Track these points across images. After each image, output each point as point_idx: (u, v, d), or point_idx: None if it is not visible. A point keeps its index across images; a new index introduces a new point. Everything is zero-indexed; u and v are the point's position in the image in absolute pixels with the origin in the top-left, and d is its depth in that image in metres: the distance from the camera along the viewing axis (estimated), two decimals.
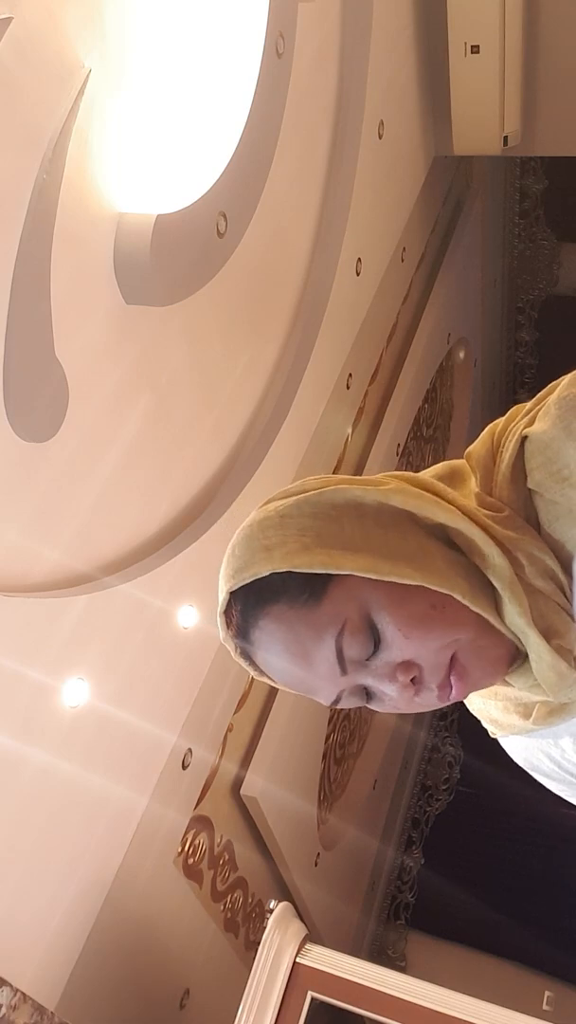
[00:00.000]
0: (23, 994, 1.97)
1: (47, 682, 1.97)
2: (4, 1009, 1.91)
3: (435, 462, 0.84)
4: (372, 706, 0.76)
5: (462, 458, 0.83)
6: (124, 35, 1.77)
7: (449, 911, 5.24)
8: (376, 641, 0.70)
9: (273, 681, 0.77)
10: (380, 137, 3.30)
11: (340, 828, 4.30)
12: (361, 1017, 2.47)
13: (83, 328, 1.87)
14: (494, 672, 0.74)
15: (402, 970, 4.67)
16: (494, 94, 3.66)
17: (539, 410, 0.75)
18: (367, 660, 0.71)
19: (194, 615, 2.51)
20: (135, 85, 1.83)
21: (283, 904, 2.61)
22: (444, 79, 3.66)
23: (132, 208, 1.87)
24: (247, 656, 0.76)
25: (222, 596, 0.75)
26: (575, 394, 0.72)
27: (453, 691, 0.71)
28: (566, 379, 0.75)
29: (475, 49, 3.54)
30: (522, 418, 0.76)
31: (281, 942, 2.50)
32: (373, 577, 0.69)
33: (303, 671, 0.72)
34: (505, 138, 3.83)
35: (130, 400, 2.12)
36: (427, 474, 0.81)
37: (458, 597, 0.70)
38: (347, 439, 3.59)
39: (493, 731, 0.88)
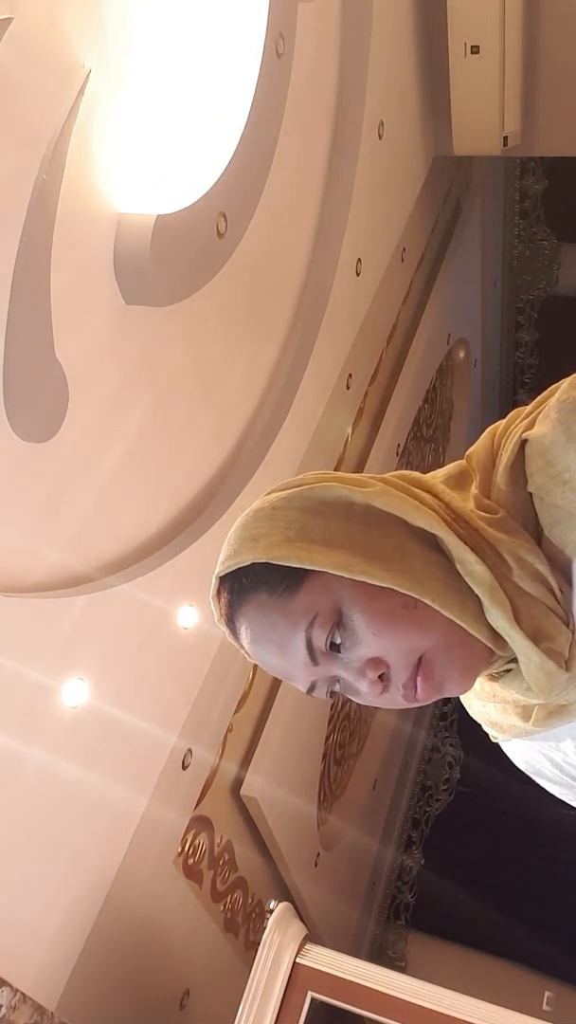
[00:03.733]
0: (23, 994, 1.97)
1: (47, 682, 1.97)
2: (4, 1009, 1.91)
3: (435, 462, 0.85)
4: (348, 696, 0.78)
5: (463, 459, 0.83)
6: (124, 35, 1.77)
7: (449, 911, 5.24)
8: (344, 635, 0.73)
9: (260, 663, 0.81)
10: (380, 137, 3.30)
11: (340, 828, 4.30)
12: (361, 1017, 2.47)
13: (83, 328, 1.87)
14: (463, 677, 0.74)
15: (402, 970, 4.67)
16: (494, 94, 3.66)
17: (539, 413, 0.75)
18: (338, 654, 0.74)
19: (194, 615, 2.51)
20: (135, 85, 1.83)
21: (283, 904, 2.61)
22: (444, 79, 3.66)
23: (132, 208, 1.87)
24: (236, 639, 0.79)
25: (213, 580, 0.79)
26: (575, 397, 0.71)
27: (419, 692, 0.73)
28: (566, 382, 0.75)
29: (475, 49, 3.54)
30: (521, 421, 0.76)
31: (281, 942, 2.50)
32: (345, 575, 0.71)
33: (279, 659, 0.76)
34: (505, 138, 3.83)
35: (130, 400, 2.11)
36: (439, 474, 0.82)
37: (428, 602, 0.71)
38: (347, 439, 3.59)
39: (494, 735, 0.88)
